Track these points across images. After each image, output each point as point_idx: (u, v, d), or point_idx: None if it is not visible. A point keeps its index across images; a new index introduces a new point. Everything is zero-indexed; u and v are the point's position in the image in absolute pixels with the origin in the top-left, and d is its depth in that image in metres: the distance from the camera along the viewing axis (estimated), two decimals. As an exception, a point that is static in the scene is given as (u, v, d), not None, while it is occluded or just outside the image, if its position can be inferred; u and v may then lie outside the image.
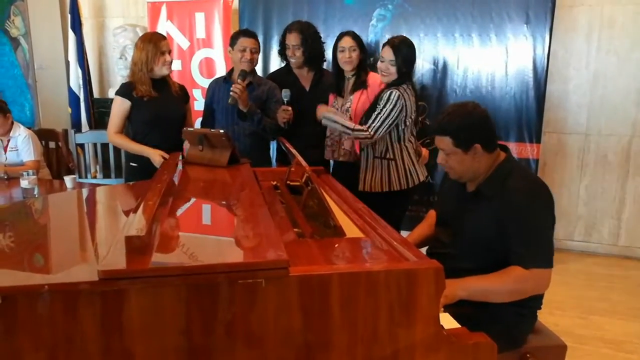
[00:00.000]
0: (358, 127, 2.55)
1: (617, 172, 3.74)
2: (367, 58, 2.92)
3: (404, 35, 2.77)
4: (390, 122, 2.51)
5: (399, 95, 2.49)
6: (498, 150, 1.72)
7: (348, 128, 2.57)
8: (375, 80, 2.77)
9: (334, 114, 2.67)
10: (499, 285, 1.58)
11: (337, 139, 2.90)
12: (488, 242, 1.63)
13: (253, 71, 2.92)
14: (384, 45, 2.63)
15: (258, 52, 2.89)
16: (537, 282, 1.58)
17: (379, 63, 2.62)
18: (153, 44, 2.70)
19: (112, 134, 2.82)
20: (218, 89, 2.94)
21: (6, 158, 3.35)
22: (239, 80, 2.72)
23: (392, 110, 2.49)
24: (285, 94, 2.76)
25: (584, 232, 3.89)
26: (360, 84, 2.79)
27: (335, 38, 2.84)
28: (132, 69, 2.79)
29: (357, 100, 2.77)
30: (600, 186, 3.80)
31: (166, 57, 2.74)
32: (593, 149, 3.78)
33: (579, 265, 3.65)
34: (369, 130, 2.50)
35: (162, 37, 2.80)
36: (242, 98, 2.70)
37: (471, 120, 1.66)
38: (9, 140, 3.37)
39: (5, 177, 3.11)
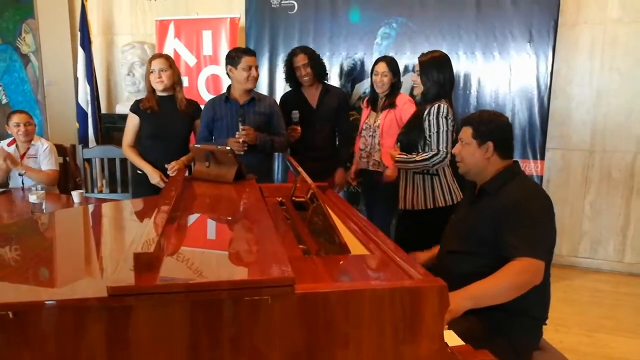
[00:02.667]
0: (430, 154, 2.49)
1: (622, 189, 3.75)
2: (399, 81, 3.08)
3: (439, 50, 2.72)
4: (451, 134, 2.51)
5: (447, 109, 2.50)
6: (510, 161, 1.81)
7: (425, 160, 2.50)
8: (402, 100, 3.02)
9: (406, 157, 2.59)
10: (500, 284, 1.59)
11: (369, 152, 3.11)
12: (482, 237, 1.70)
13: (250, 91, 2.93)
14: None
15: (258, 69, 2.96)
16: (532, 273, 1.60)
17: (413, 76, 2.69)
18: (149, 62, 2.95)
19: (125, 147, 3.06)
20: (219, 107, 2.93)
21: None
22: (242, 128, 2.74)
23: (447, 124, 2.49)
24: (295, 115, 3.08)
25: (589, 248, 3.88)
26: (390, 104, 3.01)
27: (374, 62, 3.10)
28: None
29: (384, 117, 3.02)
30: (605, 203, 3.80)
31: (155, 75, 2.90)
32: (597, 166, 3.79)
33: (583, 282, 3.63)
34: (440, 151, 2.48)
35: (155, 57, 2.97)
36: (251, 139, 2.77)
37: (494, 120, 1.82)
38: (28, 148, 3.45)
39: (23, 172, 3.31)
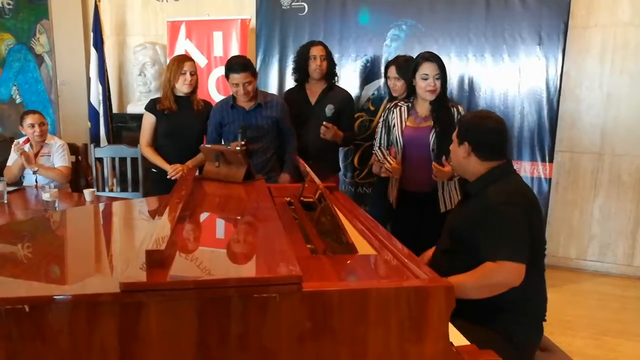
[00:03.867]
0: None
1: (632, 193, 3.73)
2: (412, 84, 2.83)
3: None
4: None
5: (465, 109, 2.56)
6: (495, 162, 1.79)
7: None
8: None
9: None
10: (470, 281, 1.61)
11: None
12: (466, 237, 1.72)
13: (255, 95, 2.92)
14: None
15: (254, 81, 2.86)
16: (507, 275, 1.60)
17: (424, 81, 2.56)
18: (177, 64, 2.95)
19: (143, 146, 3.10)
20: (227, 112, 2.95)
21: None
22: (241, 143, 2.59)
23: None
24: (330, 108, 3.06)
25: (598, 252, 3.86)
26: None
27: (388, 62, 3.08)
28: (161, 86, 3.10)
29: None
30: (615, 206, 3.78)
31: (187, 77, 2.95)
32: (607, 169, 3.77)
33: (592, 285, 3.62)
34: None
35: (187, 59, 3.02)
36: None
37: (477, 123, 1.83)
38: (42, 147, 3.50)
39: (36, 169, 3.35)
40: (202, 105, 3.06)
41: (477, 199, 1.76)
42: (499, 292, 1.62)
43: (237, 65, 2.83)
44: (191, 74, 2.96)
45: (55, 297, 1.11)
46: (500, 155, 1.80)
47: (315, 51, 3.08)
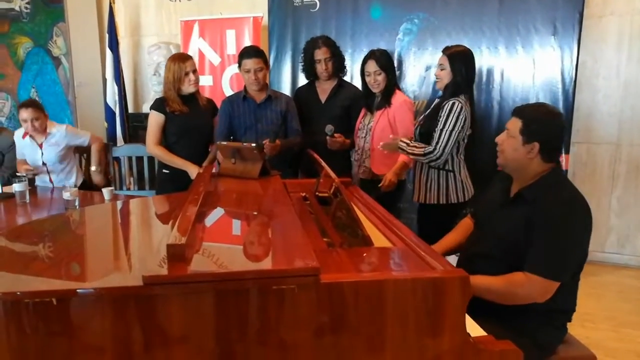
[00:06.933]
0: (427, 150, 2.48)
1: (651, 183, 3.68)
2: (394, 78, 2.84)
3: (463, 45, 2.63)
4: (455, 136, 2.45)
5: (461, 107, 2.43)
6: (553, 164, 1.70)
7: (419, 155, 2.51)
8: (397, 100, 2.80)
9: (400, 144, 2.57)
10: (495, 286, 1.59)
11: (360, 157, 2.94)
12: (515, 245, 1.62)
13: (266, 87, 2.96)
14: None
15: (265, 69, 2.90)
16: (532, 289, 1.56)
17: (436, 70, 2.58)
18: (178, 65, 2.88)
19: (152, 146, 3.01)
20: (237, 106, 2.97)
21: (42, 153, 3.41)
22: (265, 144, 2.68)
23: (456, 123, 2.43)
24: (329, 129, 2.85)
25: (617, 243, 3.82)
26: (385, 102, 2.80)
27: (363, 59, 2.84)
28: (164, 87, 2.99)
29: (377, 120, 2.83)
30: (633, 197, 3.73)
31: (191, 77, 2.90)
32: (625, 160, 3.72)
33: (611, 278, 3.58)
34: (437, 149, 2.46)
35: (187, 58, 2.95)
36: (275, 152, 2.76)
37: (549, 121, 1.67)
38: (46, 138, 3.41)
39: (30, 175, 3.29)
40: (207, 102, 3.07)
41: (531, 205, 1.62)
42: (520, 303, 1.59)
43: (250, 50, 2.92)
44: (194, 73, 2.92)
45: (81, 290, 1.14)
46: (559, 155, 1.72)
47: (320, 55, 3.01)
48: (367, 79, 2.80)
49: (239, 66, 2.93)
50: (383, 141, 2.66)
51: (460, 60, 2.50)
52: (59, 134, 3.45)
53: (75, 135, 3.55)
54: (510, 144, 1.69)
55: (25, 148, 3.45)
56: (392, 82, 2.81)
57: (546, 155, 1.66)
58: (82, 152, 3.76)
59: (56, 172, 3.48)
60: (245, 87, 2.99)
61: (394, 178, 2.74)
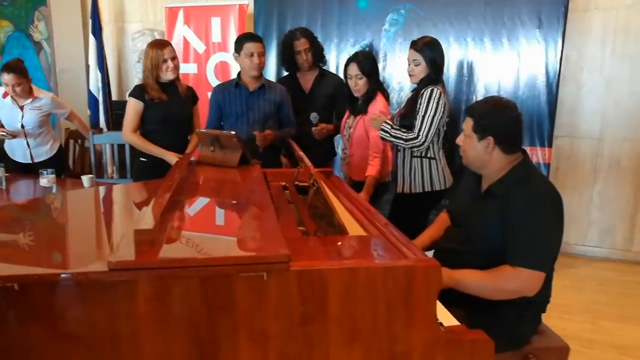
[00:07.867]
0: (410, 136, 2.48)
1: (632, 178, 3.71)
2: (376, 83, 2.70)
3: (429, 35, 2.64)
4: (437, 121, 2.46)
5: (440, 93, 2.45)
6: (518, 155, 1.71)
7: (402, 139, 2.50)
8: (374, 108, 2.66)
9: (384, 125, 2.54)
10: (485, 282, 1.59)
11: (345, 156, 2.90)
12: (492, 241, 1.64)
13: (261, 75, 2.93)
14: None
15: (264, 55, 2.88)
16: (522, 282, 1.56)
17: (409, 67, 2.58)
18: (156, 51, 2.83)
19: (129, 133, 2.94)
20: (229, 94, 2.92)
21: (23, 116, 3.34)
22: (257, 135, 2.74)
23: (437, 109, 2.44)
24: (314, 117, 2.87)
25: (597, 237, 3.86)
26: (361, 109, 2.71)
27: (346, 61, 2.74)
28: (143, 74, 2.94)
29: (355, 126, 2.75)
30: (614, 191, 3.77)
31: (169, 64, 2.84)
32: (607, 154, 3.75)
33: (590, 270, 3.62)
34: (420, 136, 2.46)
35: (165, 44, 2.89)
36: (267, 142, 2.77)
37: (498, 114, 1.68)
38: (32, 101, 3.34)
39: (9, 137, 3.30)
40: (187, 90, 3.01)
41: (502, 199, 1.63)
42: (511, 297, 1.59)
43: (252, 35, 2.95)
44: (172, 60, 2.85)
45: (44, 274, 1.12)
46: (520, 145, 1.72)
47: (299, 46, 3.03)
48: (349, 82, 2.71)
49: (238, 50, 2.84)
50: (360, 150, 2.70)
51: (431, 51, 2.52)
52: (45, 101, 3.42)
53: (58, 105, 3.54)
54: (468, 144, 1.72)
55: (4, 108, 3.36)
56: (374, 88, 2.68)
57: (504, 147, 1.67)
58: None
59: (34, 135, 3.42)
60: (239, 74, 2.94)
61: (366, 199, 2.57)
